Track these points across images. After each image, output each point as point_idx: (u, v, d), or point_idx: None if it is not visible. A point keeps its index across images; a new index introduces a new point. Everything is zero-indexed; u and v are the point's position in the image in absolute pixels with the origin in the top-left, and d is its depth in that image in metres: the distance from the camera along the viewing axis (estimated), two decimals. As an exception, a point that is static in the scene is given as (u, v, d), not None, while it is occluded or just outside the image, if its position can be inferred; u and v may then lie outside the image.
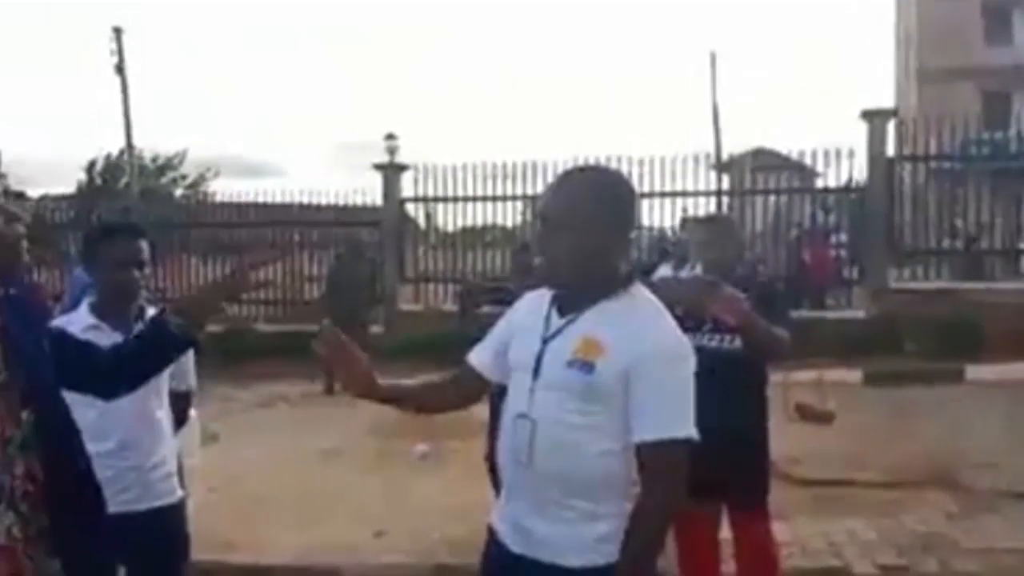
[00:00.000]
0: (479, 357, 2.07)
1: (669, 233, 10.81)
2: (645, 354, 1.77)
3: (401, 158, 13.08)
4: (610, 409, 1.77)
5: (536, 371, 1.85)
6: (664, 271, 6.52)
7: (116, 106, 20.09)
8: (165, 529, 2.64)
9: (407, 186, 12.52)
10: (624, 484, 1.80)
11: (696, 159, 11.53)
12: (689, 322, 3.02)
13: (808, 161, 11.63)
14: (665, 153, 11.61)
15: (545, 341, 1.86)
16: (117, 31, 20.34)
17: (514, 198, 11.98)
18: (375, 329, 11.22)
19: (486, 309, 1.99)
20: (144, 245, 2.65)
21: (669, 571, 3.00)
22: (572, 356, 1.80)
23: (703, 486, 2.98)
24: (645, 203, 11.62)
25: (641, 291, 1.89)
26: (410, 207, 12.71)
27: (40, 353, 1.74)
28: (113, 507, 2.43)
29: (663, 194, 11.58)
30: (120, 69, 20.18)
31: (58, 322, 2.49)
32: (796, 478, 5.19)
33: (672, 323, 1.86)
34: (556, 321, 1.88)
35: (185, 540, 2.73)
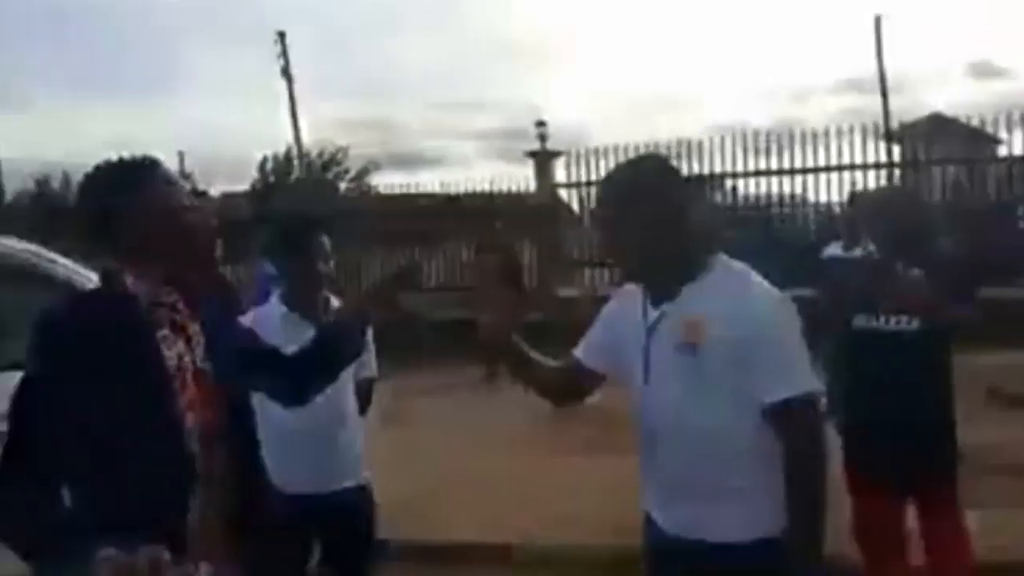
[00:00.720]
0: (586, 353, 2.12)
1: (837, 209, 10.33)
2: (751, 320, 1.77)
3: (553, 144, 13.17)
4: (726, 385, 1.78)
5: (646, 364, 1.89)
6: (833, 250, 6.26)
7: (284, 107, 21.25)
8: (354, 508, 2.83)
9: (560, 172, 12.61)
10: (760, 456, 1.80)
11: (864, 129, 10.96)
12: (863, 305, 2.92)
13: (990, 129, 10.80)
14: (831, 124, 11.11)
15: (648, 334, 1.89)
16: (281, 35, 21.49)
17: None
18: (534, 315, 11.37)
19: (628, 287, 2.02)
20: (326, 239, 2.84)
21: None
22: (677, 342, 1.82)
23: (886, 477, 2.89)
24: (811, 178, 11.18)
25: (725, 261, 1.90)
26: (563, 193, 12.79)
27: (231, 347, 1.85)
28: (306, 488, 2.64)
29: (829, 168, 11.07)
30: (286, 72, 21.32)
31: (252, 314, 2.71)
32: (996, 465, 4.86)
33: (766, 284, 1.87)
34: (652, 313, 1.90)
35: (372, 518, 2.92)
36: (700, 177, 11.72)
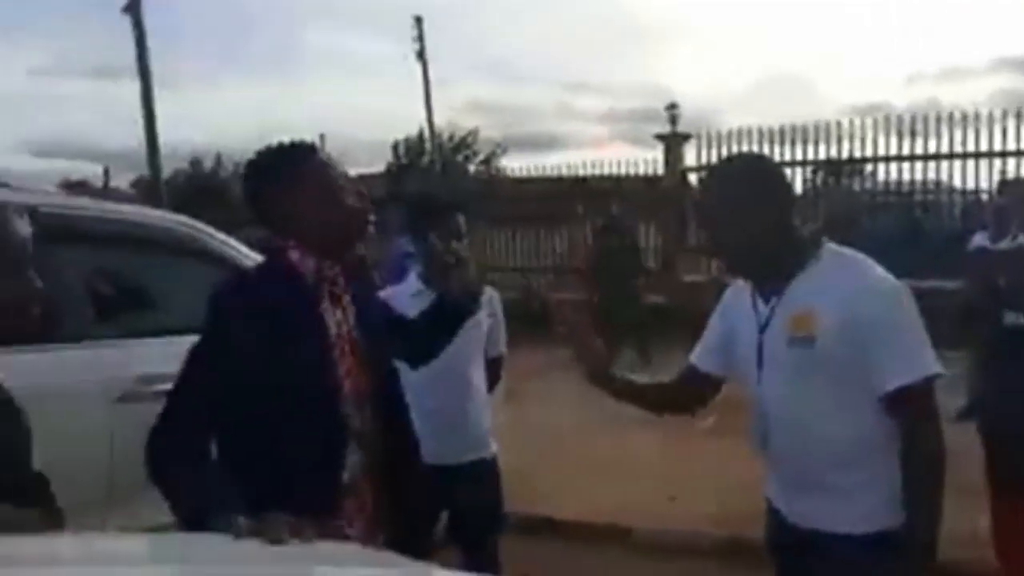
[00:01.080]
0: (701, 359, 2.12)
1: (985, 197, 9.74)
2: (864, 308, 1.74)
3: (684, 126, 12.96)
4: (843, 376, 1.76)
5: (759, 361, 1.88)
6: (980, 241, 5.94)
7: (417, 90, 21.75)
8: (482, 480, 2.94)
9: (690, 155, 12.40)
10: (878, 449, 1.77)
11: (1019, 113, 10.25)
12: (1014, 301, 2.77)
13: None
14: (982, 107, 10.46)
15: (761, 329, 1.88)
16: (418, 20, 21.96)
17: (803, 163, 11.42)
18: (655, 299, 11.30)
19: (739, 283, 2.03)
20: (461, 219, 2.94)
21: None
22: (790, 335, 1.81)
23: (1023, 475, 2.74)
24: (957, 163, 10.58)
25: (834, 250, 1.87)
26: (693, 177, 12.58)
27: (377, 318, 1.99)
28: (435, 460, 2.76)
29: (978, 154, 10.44)
30: (421, 55, 21.79)
31: (390, 290, 2.86)
32: None
33: (879, 268, 1.83)
34: (763, 308, 1.89)
35: (498, 490, 3.02)
36: (836, 161, 11.29)
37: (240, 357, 1.73)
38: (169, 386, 2.86)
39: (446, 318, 2.16)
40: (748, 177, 1.92)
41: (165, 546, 1.42)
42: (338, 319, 1.85)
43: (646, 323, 9.80)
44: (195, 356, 1.81)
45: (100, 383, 2.80)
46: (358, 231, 1.91)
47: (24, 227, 1.56)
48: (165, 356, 3.01)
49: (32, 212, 1.65)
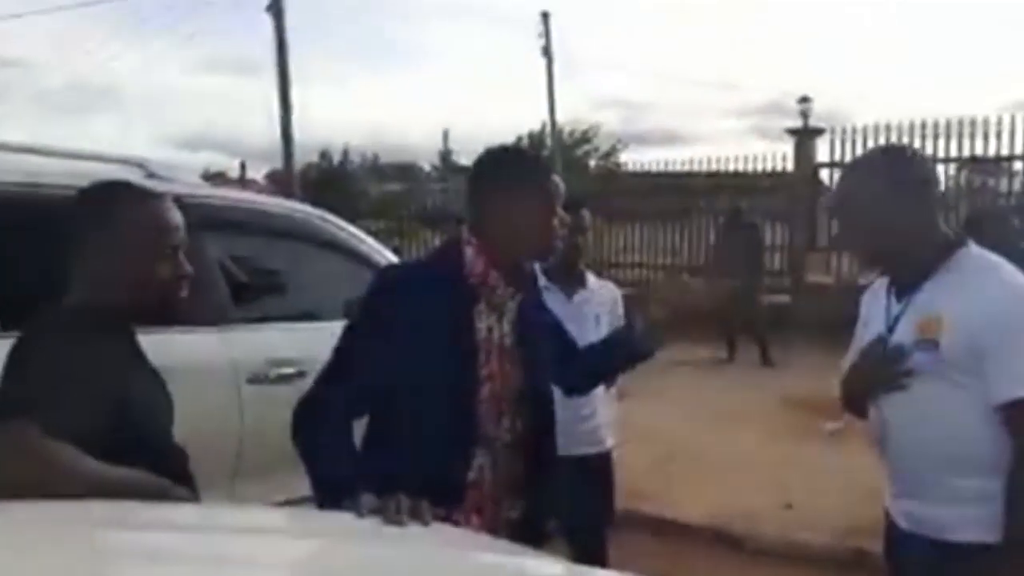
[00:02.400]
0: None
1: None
2: (990, 313, 1.70)
3: (817, 120, 12.49)
4: (966, 383, 1.72)
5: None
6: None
7: (541, 85, 21.85)
8: (596, 474, 2.94)
9: (822, 150, 11.95)
10: (994, 461, 1.71)
11: None
12: None
13: None
14: None
15: (889, 329, 1.85)
16: (545, 15, 22.04)
17: (946, 160, 10.80)
18: (782, 299, 10.97)
19: (877, 283, 1.99)
20: (586, 214, 2.95)
21: None
22: (916, 338, 1.77)
23: None
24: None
25: (972, 253, 1.82)
26: (824, 173, 12.13)
27: (543, 321, 2.03)
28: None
29: None
30: (546, 51, 21.87)
31: None
32: None
33: (1015, 275, 1.77)
34: (895, 308, 1.86)
35: (612, 484, 3.02)
36: (982, 159, 10.63)
37: (386, 335, 1.79)
38: (295, 369, 3.04)
39: (613, 368, 2.23)
40: (893, 167, 1.86)
41: (285, 520, 1.50)
42: (490, 324, 1.86)
43: (767, 323, 9.53)
44: (349, 329, 1.88)
45: (232, 365, 2.96)
46: (544, 254, 1.95)
47: (177, 215, 1.67)
48: (293, 341, 3.17)
49: (178, 201, 1.76)
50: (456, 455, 1.84)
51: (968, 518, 1.74)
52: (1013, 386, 1.67)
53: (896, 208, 1.80)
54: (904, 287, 1.86)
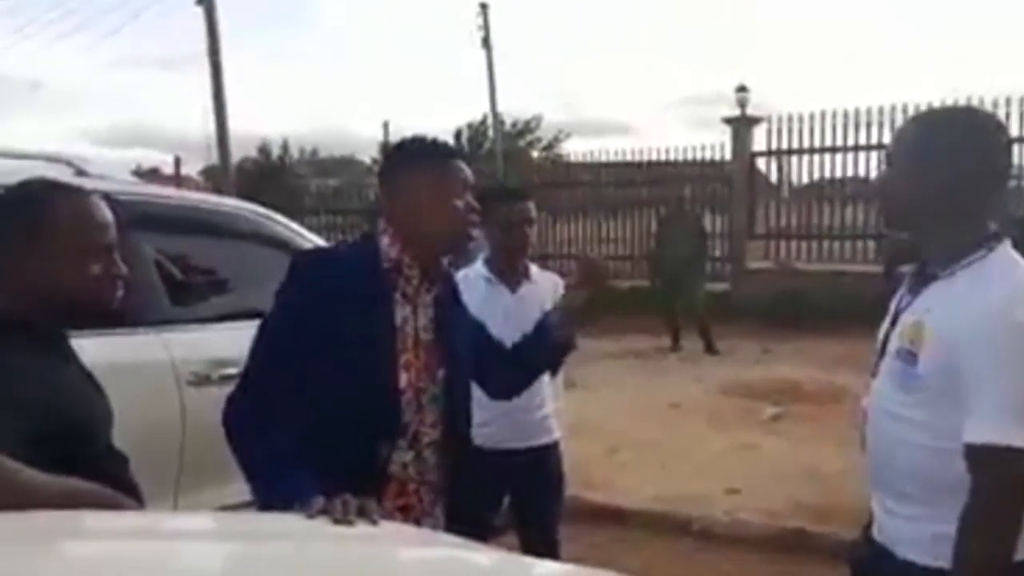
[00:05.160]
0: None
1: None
2: (968, 337, 1.50)
3: (754, 110, 12.70)
4: (938, 404, 1.56)
5: (882, 352, 1.72)
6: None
7: (482, 77, 21.79)
8: (544, 465, 2.95)
9: (759, 139, 12.17)
10: (960, 487, 1.55)
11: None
12: None
13: None
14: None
15: (892, 321, 1.71)
16: (484, 7, 21.98)
17: (876, 147, 11.07)
18: (721, 287, 11.15)
19: (906, 268, 1.86)
20: (531, 206, 2.94)
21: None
22: (900, 344, 1.63)
23: None
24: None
25: (995, 258, 1.58)
26: (761, 161, 12.35)
27: (458, 319, 2.01)
28: (498, 444, 2.78)
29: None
30: (486, 42, 21.81)
31: (461, 274, 2.87)
32: None
33: (1017, 297, 1.52)
34: (904, 299, 1.71)
35: (561, 476, 3.03)
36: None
37: (303, 323, 1.78)
38: (238, 370, 2.98)
39: (541, 364, 2.19)
40: (954, 130, 1.64)
41: (233, 524, 1.46)
42: (406, 314, 1.87)
43: (709, 310, 9.68)
44: (266, 322, 1.87)
45: (172, 366, 2.89)
46: (459, 243, 1.94)
47: (108, 213, 1.61)
48: (235, 340, 3.10)
49: (109, 199, 1.70)
50: (375, 445, 1.82)
51: (917, 537, 1.64)
52: (977, 427, 1.50)
53: (946, 176, 1.59)
54: (922, 278, 1.67)
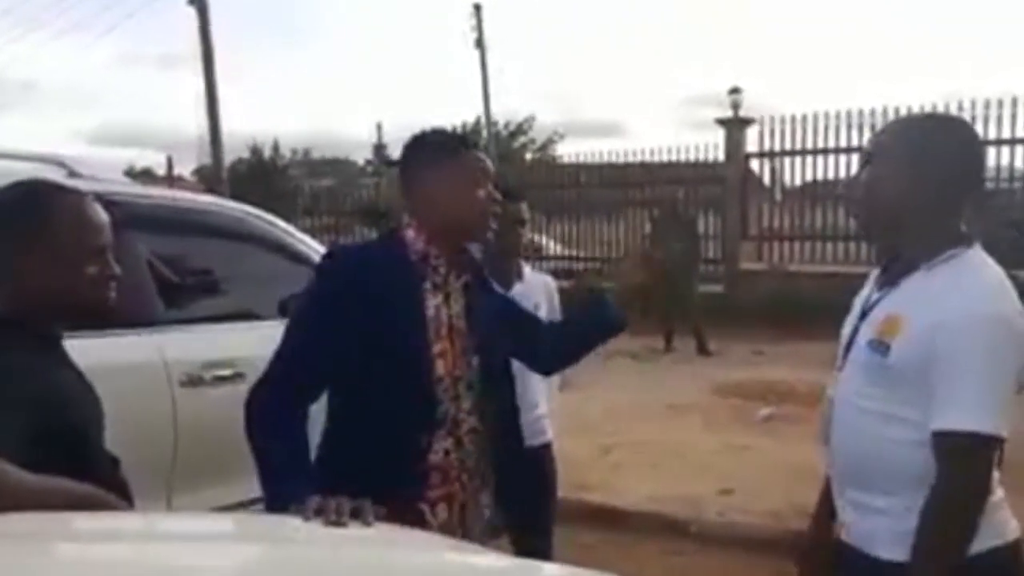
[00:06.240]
0: None
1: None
2: (946, 328, 1.54)
3: (747, 111, 12.71)
4: (910, 396, 1.59)
5: (847, 350, 1.75)
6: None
7: (475, 78, 21.81)
8: (536, 465, 2.94)
9: (752, 140, 12.20)
10: (921, 479, 1.58)
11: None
12: None
13: None
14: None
15: (861, 316, 1.74)
16: (477, 8, 22.01)
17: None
18: (714, 288, 11.17)
19: None
20: (524, 207, 2.94)
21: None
22: (872, 336, 1.66)
23: None
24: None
25: (974, 258, 1.64)
26: (754, 162, 12.38)
27: (491, 304, 2.03)
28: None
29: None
30: (479, 43, 21.84)
31: None
32: None
33: (994, 292, 1.58)
34: (874, 295, 1.74)
35: (554, 476, 3.03)
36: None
37: (335, 319, 1.80)
38: (231, 371, 2.97)
39: (594, 337, 2.14)
40: (929, 135, 1.69)
41: (223, 526, 1.46)
42: (438, 303, 1.89)
43: (703, 311, 9.69)
44: (296, 316, 1.90)
45: (165, 367, 2.88)
46: (481, 232, 1.96)
47: (102, 214, 1.61)
48: (228, 341, 3.10)
49: (102, 200, 1.70)
50: (415, 435, 1.84)
51: (885, 533, 1.65)
52: (944, 414, 1.54)
53: (917, 177, 1.64)
54: (894, 276, 1.71)
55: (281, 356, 1.84)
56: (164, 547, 1.17)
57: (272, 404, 1.79)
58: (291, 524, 1.38)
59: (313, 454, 1.84)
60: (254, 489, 2.98)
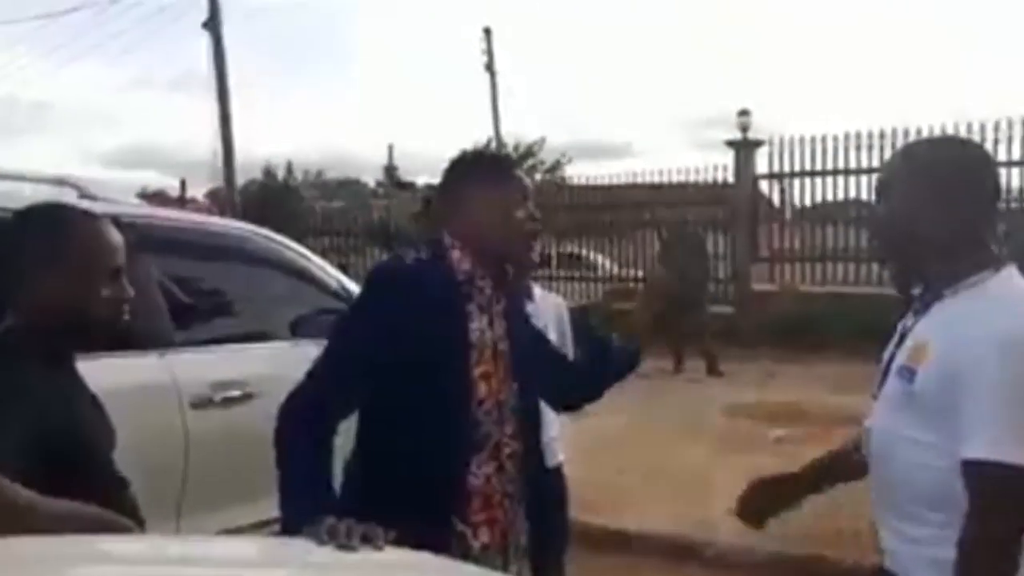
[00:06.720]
0: None
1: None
2: (973, 356, 1.50)
3: (756, 132, 12.71)
4: (935, 422, 1.56)
5: (885, 374, 1.72)
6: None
7: (485, 100, 21.95)
8: (549, 489, 2.92)
9: (762, 162, 12.20)
10: (956, 507, 1.53)
11: None
12: None
13: None
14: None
15: (897, 343, 1.72)
16: (487, 31, 22.17)
17: (878, 170, 11.06)
18: (726, 309, 11.13)
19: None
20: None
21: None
22: (902, 362, 1.64)
23: None
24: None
25: (998, 278, 1.60)
26: (764, 184, 12.37)
27: (525, 330, 2.03)
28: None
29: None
30: (489, 67, 21.98)
31: None
32: None
33: (1021, 313, 1.54)
34: (909, 320, 1.71)
35: (566, 500, 3.01)
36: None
37: (379, 334, 1.79)
38: (241, 392, 2.97)
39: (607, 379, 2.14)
40: (935, 160, 1.67)
41: (231, 550, 1.45)
42: (482, 326, 1.88)
43: (713, 332, 9.65)
44: (338, 329, 1.89)
45: (175, 389, 2.88)
46: (523, 254, 1.96)
47: (117, 236, 1.62)
48: (239, 363, 3.10)
49: (115, 222, 1.71)
50: (455, 458, 1.82)
51: (919, 559, 1.63)
52: (975, 443, 1.49)
53: (927, 203, 1.62)
54: (926, 302, 1.67)
55: (319, 367, 1.83)
56: (170, 571, 1.16)
57: (300, 417, 1.78)
58: (301, 548, 1.36)
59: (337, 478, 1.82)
60: (264, 510, 2.99)
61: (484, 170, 1.93)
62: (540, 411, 2.02)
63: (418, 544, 1.34)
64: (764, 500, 2.03)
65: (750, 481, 2.03)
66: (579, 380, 2.13)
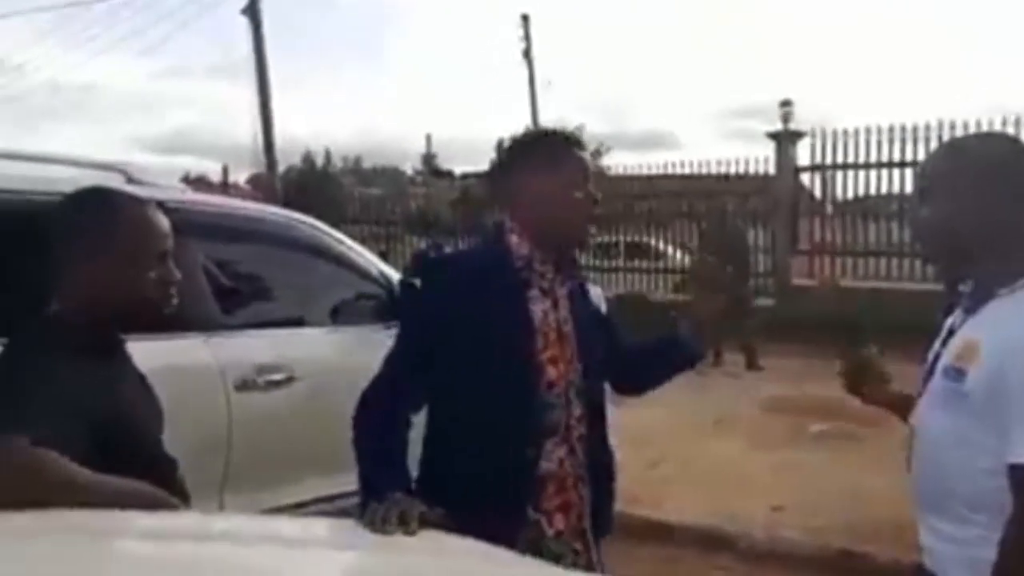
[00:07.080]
0: None
1: None
2: (1018, 352, 1.47)
3: (798, 124, 12.52)
4: (982, 423, 1.53)
5: (930, 372, 1.69)
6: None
7: (523, 88, 21.91)
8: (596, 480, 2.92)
9: (803, 154, 12.03)
10: (1001, 509, 1.51)
11: None
12: None
13: None
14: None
15: (944, 341, 1.69)
16: (525, 19, 22.11)
17: (921, 165, 10.82)
18: (764, 302, 11.01)
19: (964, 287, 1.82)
20: None
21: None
22: (949, 362, 1.60)
23: None
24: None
25: None
26: (805, 176, 12.20)
27: (589, 312, 1.99)
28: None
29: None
30: (527, 54, 21.93)
31: None
32: None
33: None
34: (958, 318, 1.68)
35: (613, 487, 2.99)
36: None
37: (434, 324, 1.80)
38: (283, 375, 3.01)
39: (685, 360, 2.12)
40: (983, 156, 1.63)
41: (275, 528, 1.47)
42: (546, 308, 1.86)
43: (753, 326, 9.54)
44: (404, 322, 1.92)
45: (220, 371, 2.93)
46: (583, 235, 1.93)
47: (165, 221, 1.65)
48: (281, 347, 3.14)
49: (161, 207, 1.74)
50: (524, 444, 1.80)
51: (959, 559, 1.61)
52: (1015, 449, 1.47)
53: (978, 200, 1.58)
54: (976, 302, 1.64)
55: (390, 358, 1.85)
56: (220, 547, 1.19)
57: (376, 405, 1.80)
58: (342, 528, 1.38)
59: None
60: (306, 491, 3.02)
61: (541, 150, 1.87)
62: (604, 392, 1.99)
63: (490, 535, 1.33)
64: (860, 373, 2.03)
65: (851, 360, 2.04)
66: (638, 367, 2.11)
